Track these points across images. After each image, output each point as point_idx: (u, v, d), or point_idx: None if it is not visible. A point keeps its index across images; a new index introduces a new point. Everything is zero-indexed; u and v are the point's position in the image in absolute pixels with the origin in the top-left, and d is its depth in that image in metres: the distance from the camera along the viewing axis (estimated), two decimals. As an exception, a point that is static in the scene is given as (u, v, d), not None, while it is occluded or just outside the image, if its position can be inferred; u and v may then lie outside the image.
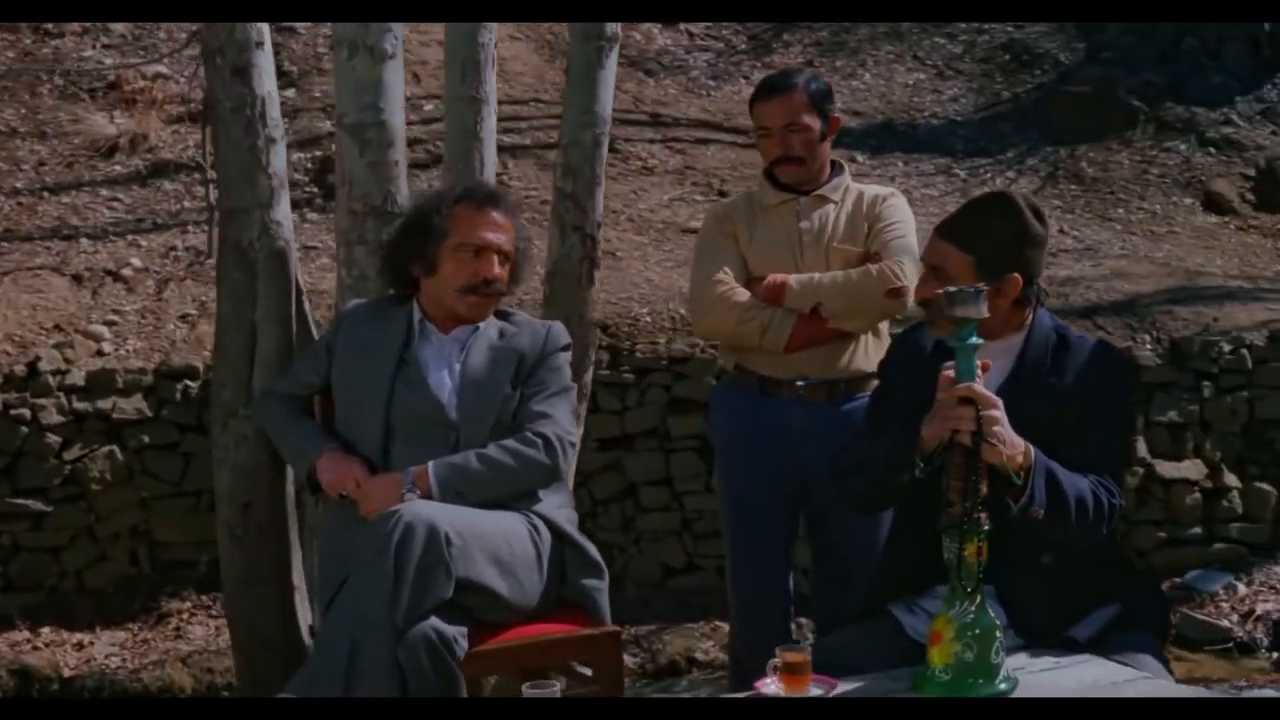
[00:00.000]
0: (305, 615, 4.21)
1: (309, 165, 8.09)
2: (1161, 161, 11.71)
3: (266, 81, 4.01)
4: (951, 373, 2.93)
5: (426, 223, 3.62)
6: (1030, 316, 3.22)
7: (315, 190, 7.88)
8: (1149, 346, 6.77)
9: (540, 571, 3.46)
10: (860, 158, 9.72)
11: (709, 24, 10.94)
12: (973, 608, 2.82)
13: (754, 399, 3.99)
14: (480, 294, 3.61)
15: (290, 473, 4.12)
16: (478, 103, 4.58)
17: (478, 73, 4.58)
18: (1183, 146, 11.84)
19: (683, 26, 10.99)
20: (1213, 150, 11.77)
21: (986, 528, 2.82)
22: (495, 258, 3.61)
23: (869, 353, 4.00)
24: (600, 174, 4.31)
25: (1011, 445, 2.87)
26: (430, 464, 3.45)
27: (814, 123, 3.97)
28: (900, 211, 4.05)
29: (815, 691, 2.79)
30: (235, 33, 3.95)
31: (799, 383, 3.95)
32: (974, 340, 2.84)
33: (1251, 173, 10.45)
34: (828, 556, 4.08)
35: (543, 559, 3.47)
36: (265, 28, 4.02)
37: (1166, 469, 6.54)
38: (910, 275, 3.89)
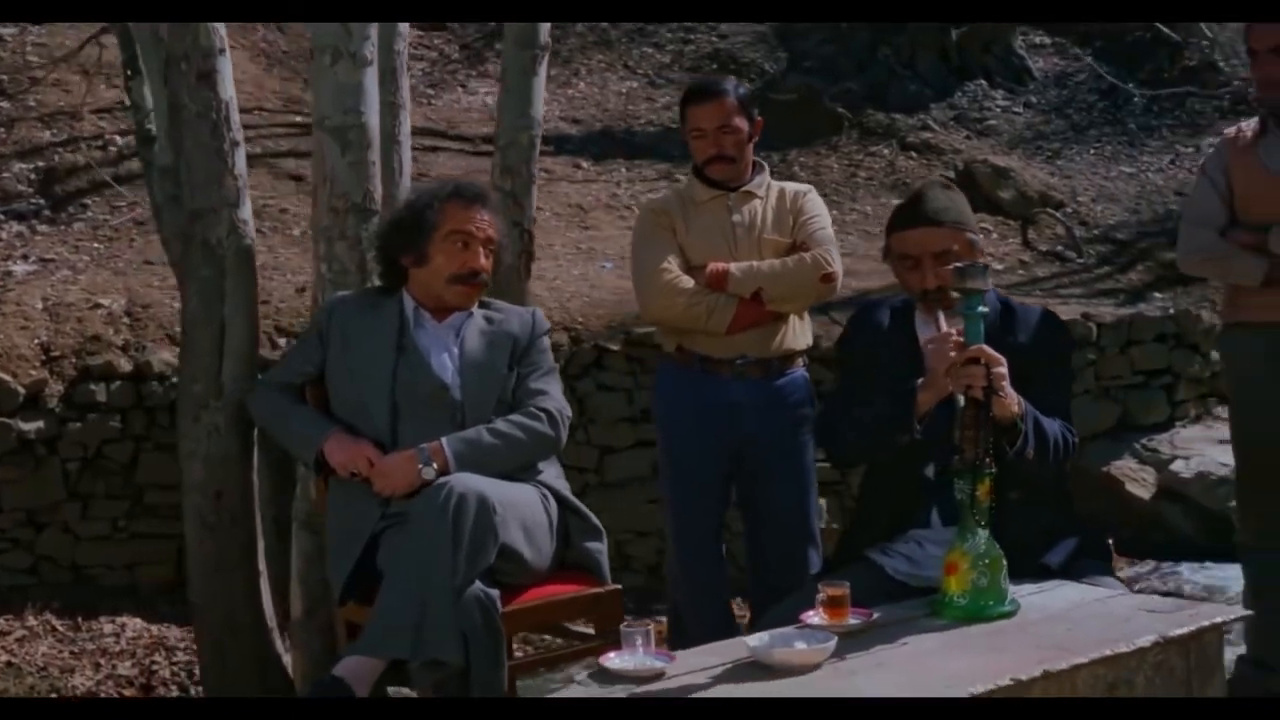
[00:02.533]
0: (269, 599, 4.37)
1: (32, 176, 7.80)
2: (868, 165, 12.48)
3: (229, 86, 4.16)
4: (950, 338, 3.37)
5: (419, 217, 3.87)
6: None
7: (42, 202, 7.59)
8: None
9: (551, 537, 3.75)
10: (585, 164, 10.06)
11: (421, 33, 11.11)
12: (983, 540, 3.26)
13: (696, 377, 4.36)
14: (468, 284, 3.88)
15: (256, 461, 4.29)
16: (396, 107, 4.82)
17: (394, 79, 4.82)
18: (886, 151, 12.65)
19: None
20: (914, 154, 12.63)
21: (993, 470, 3.27)
22: (482, 250, 3.89)
23: (797, 333, 4.42)
24: (535, 172, 4.61)
25: (1011, 398, 3.33)
26: (443, 440, 3.70)
27: (743, 125, 4.36)
28: (818, 205, 4.49)
29: (854, 621, 3.17)
30: (200, 39, 4.09)
31: (738, 361, 4.33)
32: (982, 309, 3.28)
33: (951, 175, 11.22)
34: (761, 520, 4.47)
35: (553, 525, 3.76)
36: (225, 34, 4.18)
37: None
38: (837, 262, 4.35)
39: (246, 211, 4.21)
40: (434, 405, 3.79)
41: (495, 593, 3.48)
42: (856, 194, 11.88)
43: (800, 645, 2.96)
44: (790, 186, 4.51)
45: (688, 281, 4.27)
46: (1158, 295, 8.91)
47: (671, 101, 11.81)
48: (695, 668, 2.97)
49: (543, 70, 4.58)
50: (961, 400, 3.30)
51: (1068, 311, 8.23)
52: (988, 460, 3.25)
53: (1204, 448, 7.19)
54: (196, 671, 4.85)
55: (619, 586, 3.85)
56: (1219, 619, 3.10)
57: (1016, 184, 10.37)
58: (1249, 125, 4.24)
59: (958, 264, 3.30)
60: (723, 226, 4.36)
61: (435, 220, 3.85)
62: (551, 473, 3.87)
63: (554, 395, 3.89)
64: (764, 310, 4.29)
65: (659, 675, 2.92)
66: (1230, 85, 15.00)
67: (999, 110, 13.12)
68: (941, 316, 3.55)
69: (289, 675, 4.38)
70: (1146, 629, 3.02)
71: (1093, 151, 14.20)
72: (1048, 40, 15.25)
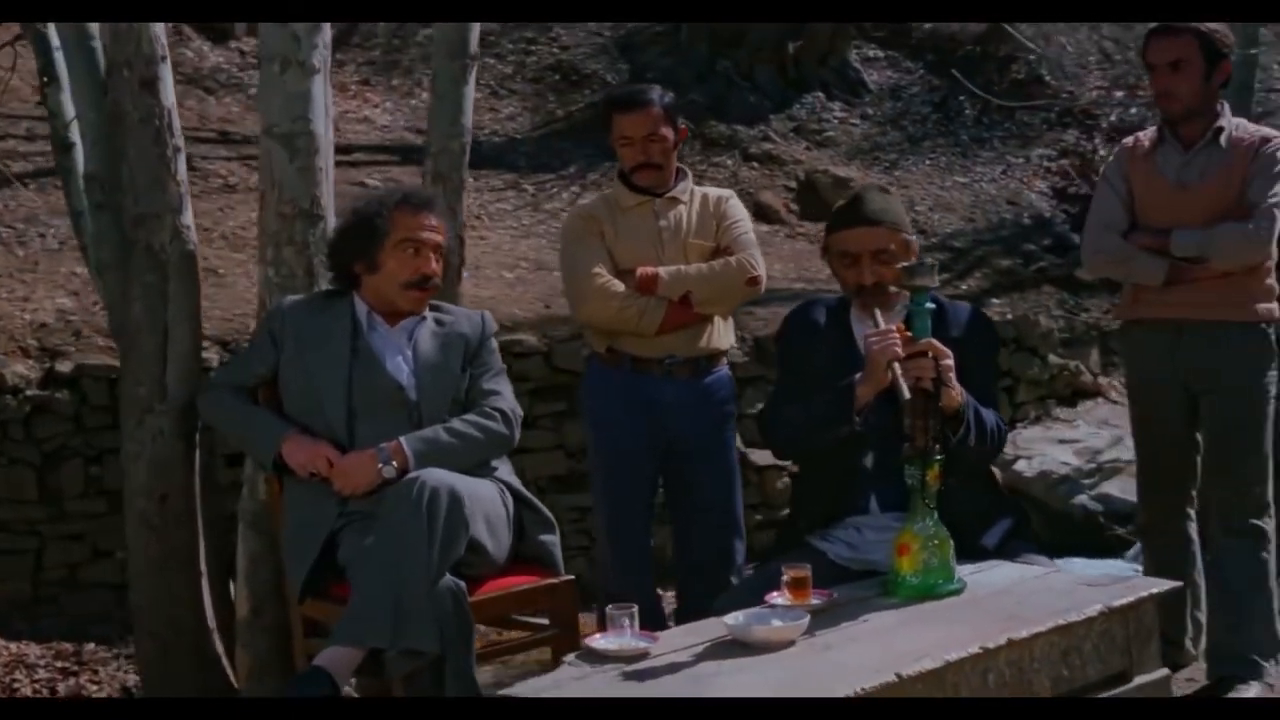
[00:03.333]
0: (208, 597, 4.42)
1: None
2: (712, 175, 12.75)
3: (170, 93, 4.21)
4: (891, 334, 3.57)
5: (369, 224, 3.97)
6: None
7: None
8: (735, 346, 7.58)
9: (509, 530, 3.87)
10: (404, 175, 10.23)
11: (259, 42, 11.16)
12: (933, 522, 3.46)
13: (626, 376, 4.51)
14: (421, 289, 3.98)
15: (199, 463, 4.33)
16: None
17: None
18: (729, 161, 12.96)
19: (233, 44, 11.09)
20: (756, 164, 12.96)
21: (941, 456, 3.47)
22: (433, 255, 3.99)
23: (721, 333, 4.61)
24: (465, 179, 4.72)
25: (956, 389, 3.54)
26: (402, 439, 3.80)
27: (669, 133, 4.53)
28: (740, 210, 4.68)
29: (815, 601, 3.35)
30: (143, 46, 4.14)
31: (667, 360, 4.49)
32: (929, 305, 3.49)
33: (793, 185, 11.51)
34: (688, 514, 4.63)
35: (509, 519, 3.88)
36: (165, 41, 4.22)
37: (758, 456, 6.84)
38: (761, 266, 4.54)
39: (189, 217, 4.26)
40: (390, 406, 3.89)
41: (463, 584, 3.59)
42: (702, 205, 12.15)
43: (777, 623, 3.13)
44: (712, 192, 4.68)
45: (619, 285, 4.42)
46: (995, 301, 9.31)
47: (516, 113, 11.96)
48: (677, 647, 3.12)
49: (472, 79, 4.70)
50: (907, 391, 3.50)
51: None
52: (936, 447, 3.46)
53: (1045, 448, 7.56)
54: (61, 688, 4.91)
55: (572, 578, 3.99)
56: (1155, 590, 3.35)
57: (857, 194, 10.76)
58: (1146, 135, 4.52)
59: (905, 263, 3.51)
60: (650, 231, 4.51)
61: (385, 228, 3.95)
62: (504, 469, 4.00)
63: (506, 395, 4.02)
64: (692, 312, 4.46)
65: (644, 655, 3.06)
66: (1058, 98, 15.64)
67: (836, 122, 13.49)
68: (879, 314, 3.75)
69: (228, 675, 4.43)
70: (1091, 600, 3.24)
71: (928, 162, 14.67)
72: (881, 54, 15.71)
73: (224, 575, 4.48)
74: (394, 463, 3.77)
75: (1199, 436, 4.44)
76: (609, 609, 3.17)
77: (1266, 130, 4.43)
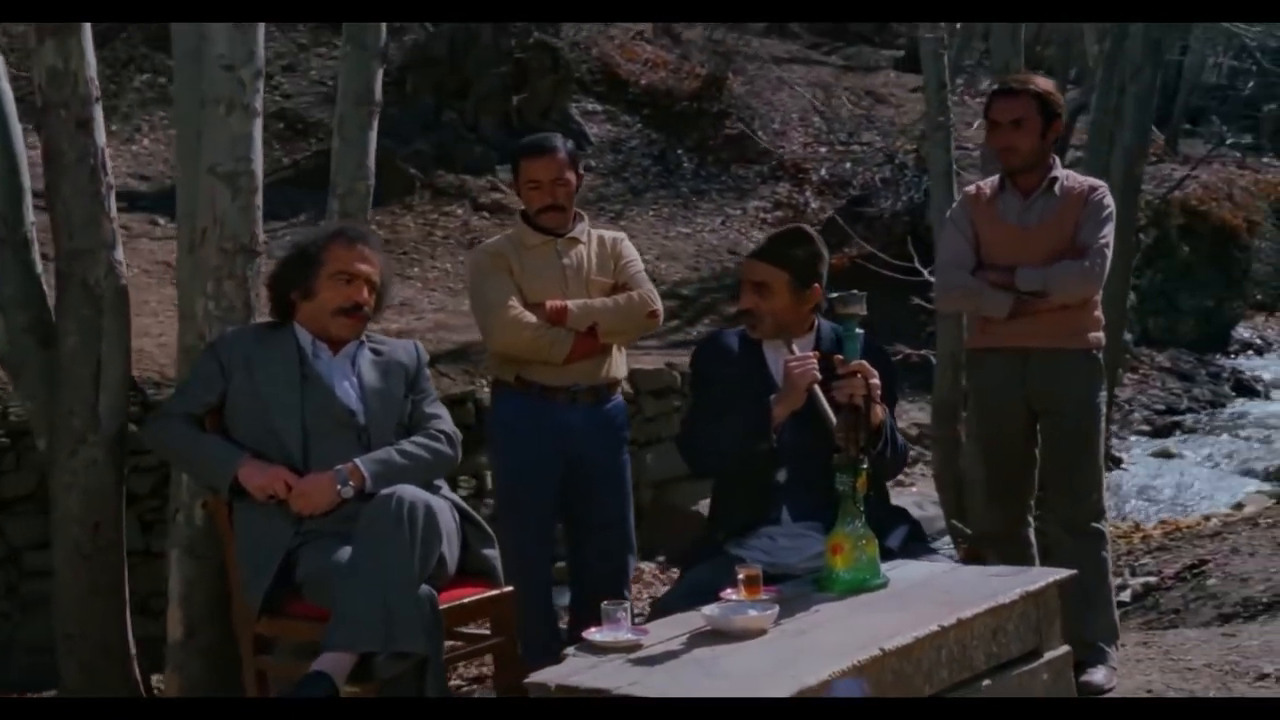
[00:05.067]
0: (129, 620, 4.54)
1: None
2: (443, 224, 13.13)
3: (102, 133, 4.36)
4: (810, 359, 4.00)
5: (306, 256, 4.21)
6: (816, 319, 4.35)
7: None
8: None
9: (458, 544, 4.13)
10: (161, 220, 10.41)
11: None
12: (861, 524, 3.88)
13: (536, 404, 4.82)
14: (351, 315, 4.22)
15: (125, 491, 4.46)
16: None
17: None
18: (460, 210, 13.37)
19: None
20: (486, 214, 13.40)
21: (867, 465, 3.90)
22: (365, 286, 4.25)
23: (618, 364, 4.98)
24: (369, 218, 4.97)
25: (880, 406, 3.98)
26: (358, 461, 4.04)
27: (572, 178, 4.88)
28: (632, 250, 5.06)
29: (766, 596, 3.72)
30: (79, 88, 4.28)
31: (573, 388, 4.83)
32: (859, 331, 3.92)
33: None
34: (587, 533, 4.95)
35: (457, 533, 4.14)
36: (97, 82, 4.37)
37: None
38: (658, 301, 4.93)
39: (120, 253, 4.40)
40: (341, 429, 4.12)
41: (435, 592, 3.85)
42: (435, 252, 12.44)
43: (753, 613, 3.50)
44: (607, 234, 5.05)
45: (530, 317, 4.73)
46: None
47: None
48: (665, 638, 3.45)
49: (375, 124, 4.96)
50: (830, 412, 3.92)
51: (651, 362, 9.08)
52: (863, 457, 3.90)
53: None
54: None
55: (512, 589, 4.26)
56: (1056, 577, 3.84)
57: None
58: (987, 184, 5.07)
59: (839, 293, 3.94)
60: (554, 268, 4.84)
61: (321, 258, 4.19)
62: (446, 488, 4.26)
63: (446, 418, 4.29)
64: (597, 343, 4.81)
65: (637, 646, 3.39)
66: (772, 155, 16.52)
67: (561, 173, 13.91)
68: (795, 344, 4.17)
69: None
70: (1011, 586, 3.71)
71: (651, 213, 15.33)
72: (599, 108, 16.35)
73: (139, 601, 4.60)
74: (351, 483, 4.00)
75: (1037, 453, 5.00)
76: (604, 605, 3.48)
77: (1092, 180, 5.05)
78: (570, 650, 3.40)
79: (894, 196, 14.69)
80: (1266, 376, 15.39)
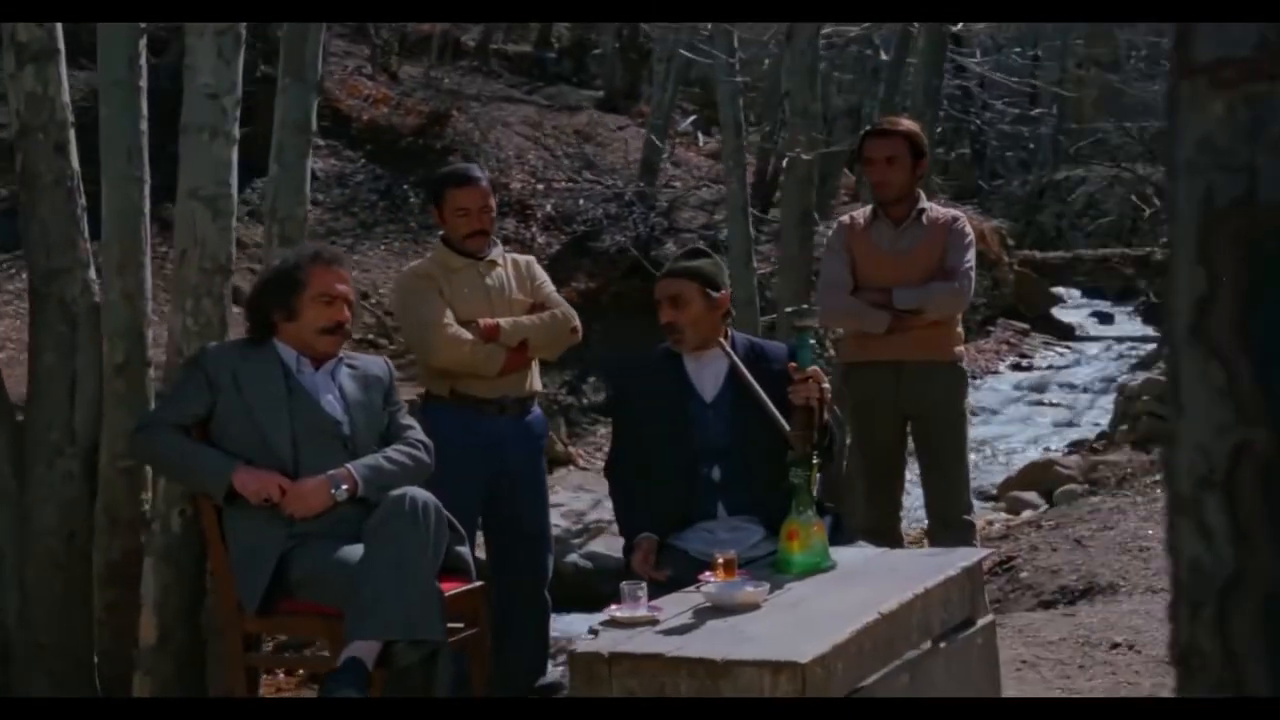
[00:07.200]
0: (95, 627, 4.68)
1: None
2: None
3: (75, 157, 4.53)
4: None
5: (287, 278, 4.47)
6: (729, 329, 4.82)
7: None
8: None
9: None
10: None
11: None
12: (812, 513, 4.36)
13: (469, 416, 5.17)
14: (335, 334, 4.51)
15: (100, 503, 4.61)
16: (140, 182, 5.26)
17: (140, 155, 5.26)
18: None
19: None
20: None
21: (818, 460, 4.40)
22: (345, 305, 4.54)
23: (536, 377, 5.37)
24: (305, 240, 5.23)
25: (831, 409, 4.48)
26: (349, 467, 4.33)
27: (493, 204, 5.27)
28: (543, 272, 5.48)
29: (740, 578, 4.17)
30: (56, 113, 4.45)
31: (502, 400, 5.20)
32: (812, 341, 4.42)
33: (256, 267, 12.32)
34: (509, 534, 5.32)
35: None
36: (70, 107, 4.54)
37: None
38: (576, 318, 5.34)
39: (93, 272, 4.57)
40: (328, 439, 4.40)
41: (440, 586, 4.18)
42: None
43: (749, 589, 3.94)
44: (520, 258, 5.45)
45: (466, 334, 5.08)
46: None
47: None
48: (675, 614, 3.86)
49: (310, 152, 5.24)
50: (779, 413, 4.42)
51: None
52: (815, 453, 4.39)
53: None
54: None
55: (483, 584, 4.60)
56: (989, 553, 4.42)
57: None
58: (861, 214, 5.67)
59: (792, 308, 4.44)
60: (479, 289, 5.21)
61: (303, 281, 4.46)
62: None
63: (419, 430, 4.62)
64: (525, 357, 5.19)
65: (654, 621, 3.79)
66: (497, 190, 16.98)
67: (288, 210, 14.18)
68: (711, 354, 4.64)
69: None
70: (952, 562, 4.26)
71: (383, 247, 15.66)
72: (322, 142, 16.55)
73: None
74: (345, 487, 4.28)
75: (906, 455, 5.61)
76: (623, 585, 3.87)
77: (953, 210, 5.72)
78: (597, 626, 3.78)
79: (619, 231, 15.36)
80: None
